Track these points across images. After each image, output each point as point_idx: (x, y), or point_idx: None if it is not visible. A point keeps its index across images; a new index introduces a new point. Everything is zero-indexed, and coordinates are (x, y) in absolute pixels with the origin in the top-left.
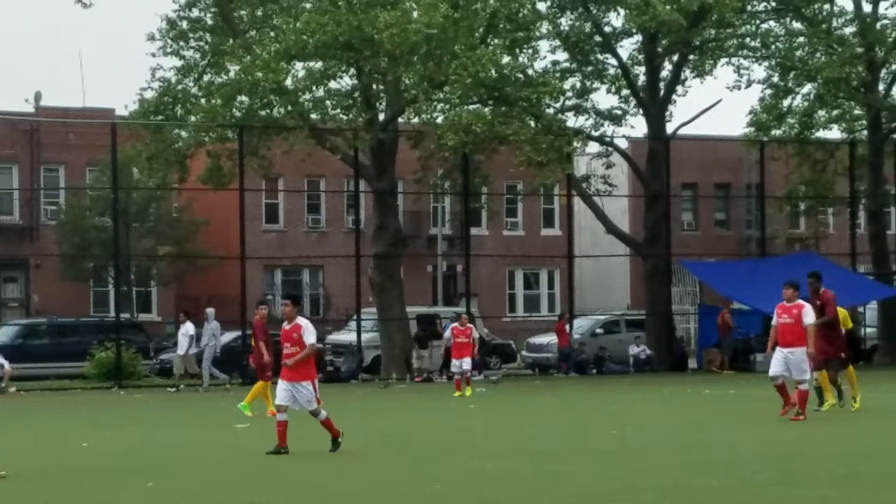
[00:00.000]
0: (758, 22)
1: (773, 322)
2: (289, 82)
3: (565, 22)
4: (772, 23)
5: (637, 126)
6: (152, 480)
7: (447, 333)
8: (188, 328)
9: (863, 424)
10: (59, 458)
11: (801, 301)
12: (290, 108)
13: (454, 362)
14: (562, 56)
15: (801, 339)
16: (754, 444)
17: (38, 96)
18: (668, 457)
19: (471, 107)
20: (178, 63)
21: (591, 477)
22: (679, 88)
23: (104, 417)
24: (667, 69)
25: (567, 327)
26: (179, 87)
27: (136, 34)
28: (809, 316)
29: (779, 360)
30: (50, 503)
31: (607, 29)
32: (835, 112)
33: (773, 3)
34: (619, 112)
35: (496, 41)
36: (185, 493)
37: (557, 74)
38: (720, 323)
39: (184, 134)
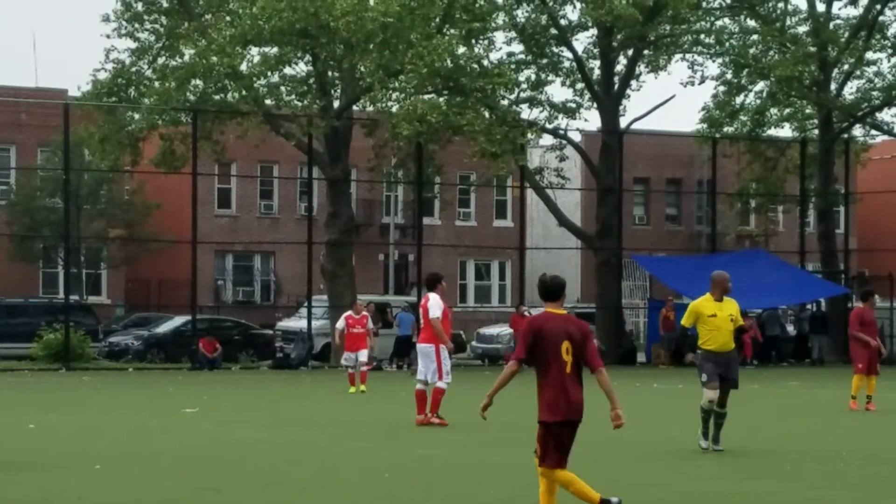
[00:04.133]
0: (712, 19)
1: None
2: (244, 67)
3: (521, 14)
4: (726, 20)
5: (591, 120)
6: (100, 463)
7: (339, 323)
8: None
9: (811, 421)
10: (5, 440)
11: (431, 293)
12: (244, 93)
13: (347, 354)
14: (517, 48)
15: (432, 336)
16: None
17: None
18: (613, 450)
19: (426, 96)
20: (133, 45)
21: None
22: (633, 83)
23: (52, 399)
24: (621, 63)
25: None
26: (133, 69)
27: (90, 15)
28: (435, 309)
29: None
30: None
31: (563, 22)
32: (787, 110)
33: (728, 1)
34: (574, 105)
35: (452, 31)
36: (133, 476)
37: (513, 66)
38: (662, 318)
39: (137, 116)
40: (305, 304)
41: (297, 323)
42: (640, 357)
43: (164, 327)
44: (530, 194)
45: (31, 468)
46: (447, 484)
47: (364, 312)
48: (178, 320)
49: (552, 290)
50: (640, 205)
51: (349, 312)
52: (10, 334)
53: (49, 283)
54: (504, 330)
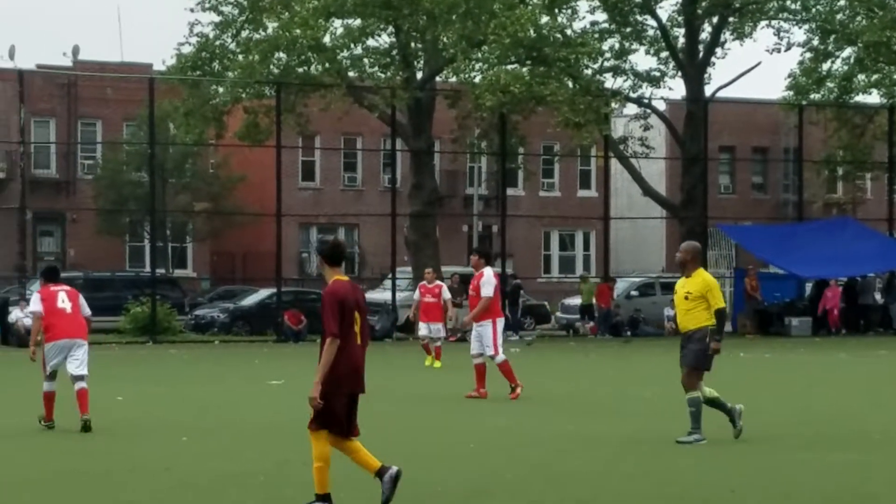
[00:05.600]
0: None
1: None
2: (327, 39)
3: None
4: None
5: (675, 88)
6: (186, 435)
7: (416, 294)
8: None
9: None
10: (94, 412)
11: (485, 269)
12: (327, 65)
13: (421, 325)
14: (601, 17)
15: (487, 311)
16: (787, 408)
17: (76, 50)
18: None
19: (509, 67)
20: (217, 19)
21: (623, 439)
22: (718, 51)
23: (139, 372)
24: (706, 31)
25: (611, 289)
26: (217, 42)
27: None
28: (488, 286)
29: (474, 337)
30: (84, 455)
31: None
32: (874, 76)
33: None
34: (658, 74)
35: (535, 1)
36: (219, 448)
37: (596, 35)
38: (745, 288)
39: (221, 90)
40: (389, 276)
41: (381, 295)
42: (727, 327)
43: (250, 300)
44: (614, 164)
45: (118, 440)
46: (532, 454)
47: (438, 282)
48: (263, 293)
49: (341, 254)
50: (725, 173)
51: (423, 282)
52: (98, 308)
53: (135, 256)
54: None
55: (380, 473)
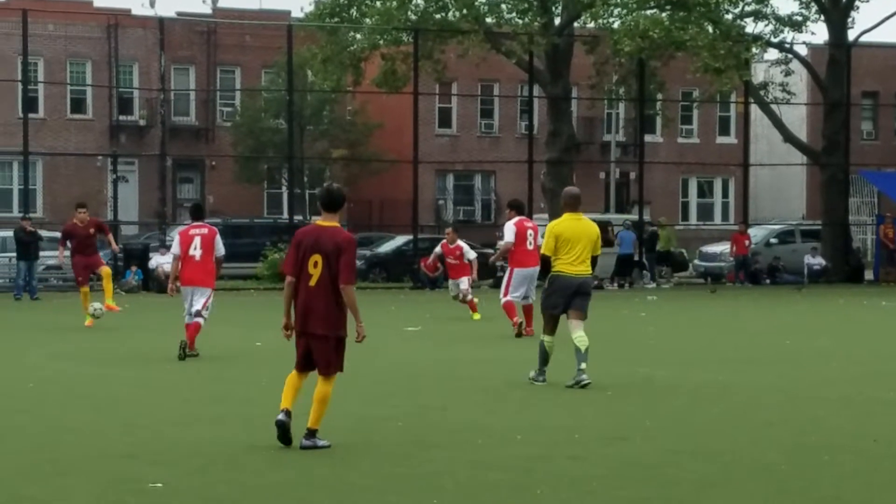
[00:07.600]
0: None
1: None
2: None
3: None
4: None
5: (818, 33)
6: None
7: (437, 249)
8: None
9: None
10: (234, 356)
11: (514, 219)
12: (465, 11)
13: (451, 282)
14: None
15: (508, 258)
16: None
17: None
18: (841, 368)
19: (648, 12)
20: None
21: (761, 387)
22: None
23: (277, 318)
24: None
25: (745, 236)
26: None
27: None
28: (508, 233)
29: None
30: (223, 401)
31: None
32: None
33: None
34: (800, 18)
35: None
36: (357, 393)
37: None
38: (882, 235)
39: (359, 37)
40: None
41: None
42: (868, 275)
43: (386, 247)
44: (754, 110)
45: (257, 387)
46: (671, 402)
47: (459, 243)
48: (400, 240)
49: (332, 201)
50: (868, 119)
51: (444, 241)
52: (237, 254)
53: (273, 203)
54: (727, 248)
55: (287, 414)
